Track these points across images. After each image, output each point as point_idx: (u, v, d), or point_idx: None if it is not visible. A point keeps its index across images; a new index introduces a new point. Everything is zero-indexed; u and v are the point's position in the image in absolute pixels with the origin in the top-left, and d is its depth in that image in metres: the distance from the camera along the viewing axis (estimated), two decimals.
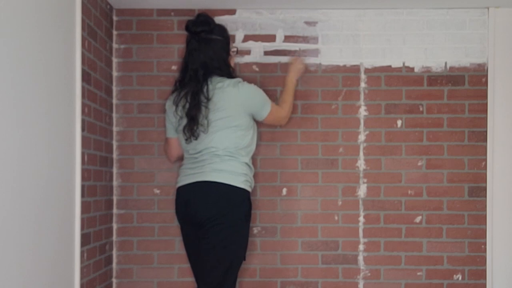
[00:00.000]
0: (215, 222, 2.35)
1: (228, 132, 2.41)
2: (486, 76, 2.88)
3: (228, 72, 2.51)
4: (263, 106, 2.53)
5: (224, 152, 2.40)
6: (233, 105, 2.41)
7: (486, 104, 2.87)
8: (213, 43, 2.46)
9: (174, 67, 2.88)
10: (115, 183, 2.88)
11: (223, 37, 2.51)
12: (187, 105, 2.42)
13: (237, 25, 2.89)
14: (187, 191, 2.43)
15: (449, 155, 2.88)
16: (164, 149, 2.78)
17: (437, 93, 2.89)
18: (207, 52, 2.45)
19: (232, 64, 2.56)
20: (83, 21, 2.35)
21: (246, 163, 2.46)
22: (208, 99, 2.39)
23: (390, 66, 2.90)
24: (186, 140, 2.44)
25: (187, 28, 2.49)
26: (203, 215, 2.36)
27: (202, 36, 2.45)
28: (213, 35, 2.47)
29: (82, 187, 2.34)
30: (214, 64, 2.46)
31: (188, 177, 2.44)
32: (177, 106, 2.47)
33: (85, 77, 2.39)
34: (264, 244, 2.88)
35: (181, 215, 2.49)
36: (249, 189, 2.46)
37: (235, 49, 2.60)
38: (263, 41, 2.90)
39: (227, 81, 2.43)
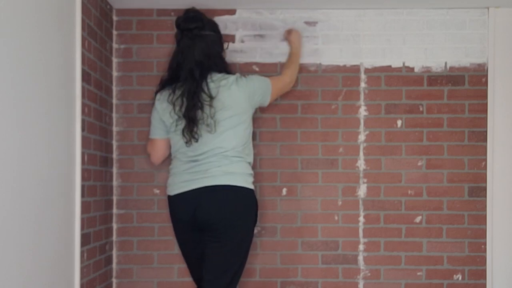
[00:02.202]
0: (229, 226, 2.31)
1: (237, 130, 2.36)
2: (486, 76, 2.88)
3: (225, 68, 2.47)
4: (265, 92, 2.51)
5: (233, 152, 2.34)
6: (239, 102, 2.37)
7: (486, 104, 2.87)
8: (207, 39, 2.40)
9: None
10: (115, 183, 2.88)
11: (216, 32, 2.47)
12: (184, 106, 2.33)
13: (237, 25, 2.89)
14: (194, 196, 2.33)
15: (449, 155, 2.88)
16: (148, 150, 2.65)
17: (437, 93, 2.89)
18: (202, 49, 2.38)
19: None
20: (83, 21, 2.35)
21: (250, 163, 2.46)
22: (211, 98, 2.32)
23: (390, 66, 2.90)
24: (186, 143, 2.34)
25: (178, 25, 2.42)
26: (217, 220, 2.30)
27: (195, 32, 2.38)
28: (206, 31, 2.41)
29: (82, 187, 2.34)
30: (210, 60, 2.39)
31: (191, 182, 2.34)
32: (174, 105, 2.37)
33: (85, 77, 2.39)
34: (264, 244, 2.88)
35: (184, 221, 2.40)
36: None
37: (227, 44, 2.56)
38: (263, 41, 2.89)
39: (231, 78, 2.38)
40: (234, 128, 2.36)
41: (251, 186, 2.40)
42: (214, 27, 2.48)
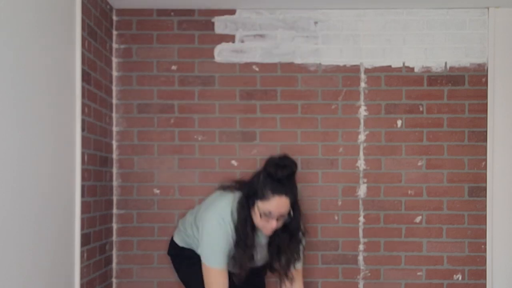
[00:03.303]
0: None
1: None
2: (486, 76, 2.88)
3: None
4: (199, 248, 2.21)
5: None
6: None
7: (486, 104, 2.87)
8: None
9: (174, 67, 2.88)
10: (115, 183, 2.88)
11: None
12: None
13: (237, 25, 2.89)
14: None
15: (449, 155, 2.88)
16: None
17: (437, 93, 2.89)
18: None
19: None
20: (83, 21, 2.35)
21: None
22: None
23: (390, 66, 2.90)
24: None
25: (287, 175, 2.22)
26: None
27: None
28: None
29: (82, 187, 2.34)
30: None
31: None
32: None
33: (85, 77, 2.39)
34: None
35: None
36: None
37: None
38: (263, 41, 2.89)
39: None
40: None
41: (175, 238, 2.46)
42: None
